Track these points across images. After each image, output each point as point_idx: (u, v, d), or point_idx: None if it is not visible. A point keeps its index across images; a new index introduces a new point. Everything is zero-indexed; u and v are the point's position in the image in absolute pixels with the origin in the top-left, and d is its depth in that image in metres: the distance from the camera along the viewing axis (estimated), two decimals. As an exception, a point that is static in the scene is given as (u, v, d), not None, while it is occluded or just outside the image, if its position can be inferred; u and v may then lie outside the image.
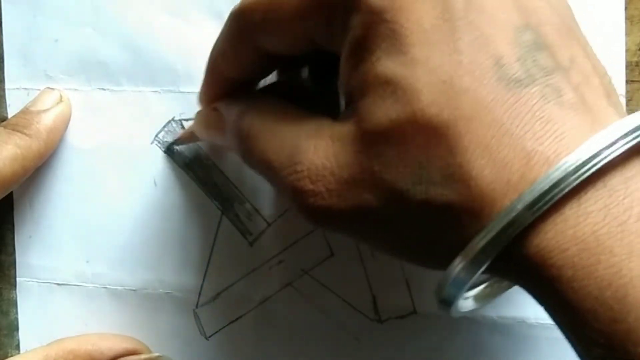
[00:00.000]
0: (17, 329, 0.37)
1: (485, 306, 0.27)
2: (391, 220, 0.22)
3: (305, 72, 0.29)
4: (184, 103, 0.34)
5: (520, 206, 0.19)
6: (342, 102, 0.24)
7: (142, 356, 0.34)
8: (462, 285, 0.21)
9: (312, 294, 0.34)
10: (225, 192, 0.34)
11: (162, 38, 0.34)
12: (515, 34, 0.21)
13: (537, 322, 0.31)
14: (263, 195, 0.34)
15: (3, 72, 0.36)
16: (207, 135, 0.31)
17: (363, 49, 0.22)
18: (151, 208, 0.35)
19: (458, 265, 0.21)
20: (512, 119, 0.20)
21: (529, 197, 0.19)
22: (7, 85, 0.36)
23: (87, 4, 0.35)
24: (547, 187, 0.19)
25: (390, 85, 0.21)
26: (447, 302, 0.22)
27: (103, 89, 0.35)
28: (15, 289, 0.37)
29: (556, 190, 0.19)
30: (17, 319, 0.37)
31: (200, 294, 0.35)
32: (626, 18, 0.30)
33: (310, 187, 0.23)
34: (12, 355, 0.35)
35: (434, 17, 0.21)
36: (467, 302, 0.26)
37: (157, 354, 0.35)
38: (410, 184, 0.21)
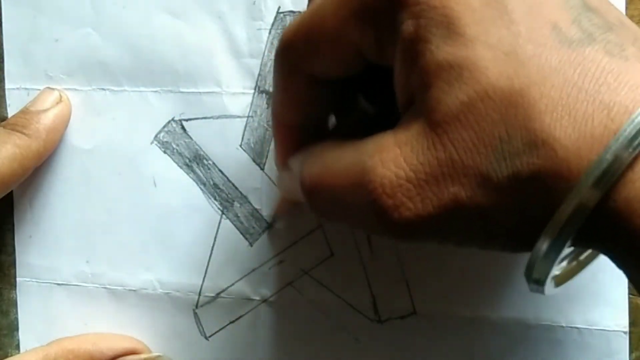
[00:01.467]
0: (17, 329, 0.37)
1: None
2: (481, 207, 0.21)
3: (360, 98, 0.28)
4: (184, 103, 0.34)
5: (609, 155, 0.19)
6: (400, 110, 0.23)
7: (142, 356, 0.34)
8: (555, 256, 0.21)
9: (312, 294, 0.34)
10: (225, 192, 0.34)
11: (162, 38, 0.34)
12: (563, 0, 0.21)
13: (536, 323, 0.31)
14: (263, 195, 0.34)
15: (3, 72, 0.36)
16: (291, 197, 0.30)
17: (418, 42, 0.21)
18: (151, 208, 0.35)
19: (551, 232, 0.20)
20: (583, 76, 0.20)
21: (616, 145, 0.19)
22: (7, 85, 0.36)
23: (87, 4, 0.35)
24: (633, 132, 0.19)
25: (454, 69, 0.21)
26: (540, 281, 0.21)
27: (103, 89, 0.35)
28: (15, 289, 0.37)
29: None
30: (17, 319, 0.37)
31: (200, 294, 0.35)
32: (626, 18, 0.30)
33: (390, 202, 0.22)
34: (12, 355, 0.35)
35: None
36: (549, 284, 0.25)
37: (157, 354, 0.35)
38: (495, 162, 0.20)
